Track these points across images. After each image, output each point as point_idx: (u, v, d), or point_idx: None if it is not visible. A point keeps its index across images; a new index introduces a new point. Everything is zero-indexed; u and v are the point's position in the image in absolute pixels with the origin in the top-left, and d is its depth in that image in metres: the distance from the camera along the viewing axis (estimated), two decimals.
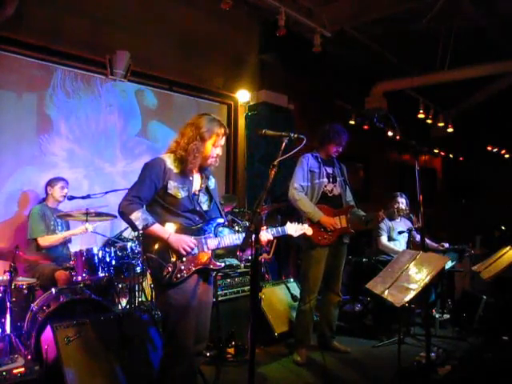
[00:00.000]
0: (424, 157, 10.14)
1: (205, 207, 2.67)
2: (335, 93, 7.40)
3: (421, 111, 7.74)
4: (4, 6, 4.06)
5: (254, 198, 5.88)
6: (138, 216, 2.42)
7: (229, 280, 4.17)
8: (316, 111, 7.04)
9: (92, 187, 4.89)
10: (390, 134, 7.96)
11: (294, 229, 2.86)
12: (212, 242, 2.60)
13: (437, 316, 4.60)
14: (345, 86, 7.33)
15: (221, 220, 2.69)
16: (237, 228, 4.54)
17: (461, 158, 11.00)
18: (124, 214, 2.46)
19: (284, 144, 2.37)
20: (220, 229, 2.69)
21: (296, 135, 2.42)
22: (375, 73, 7.32)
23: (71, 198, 4.17)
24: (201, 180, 2.68)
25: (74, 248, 4.05)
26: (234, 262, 4.39)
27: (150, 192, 2.51)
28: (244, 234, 2.37)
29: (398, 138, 7.91)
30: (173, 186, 2.52)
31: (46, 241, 3.96)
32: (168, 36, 5.43)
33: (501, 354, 3.46)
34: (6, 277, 3.28)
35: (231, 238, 2.64)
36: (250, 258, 3.92)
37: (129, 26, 5.06)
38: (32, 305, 3.44)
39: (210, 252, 2.60)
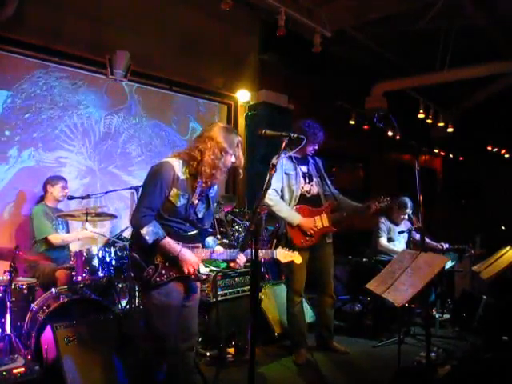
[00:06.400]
0: (424, 157, 10.12)
1: (200, 215, 2.64)
2: (335, 93, 7.40)
3: (421, 111, 7.73)
4: (4, 6, 4.06)
5: (253, 197, 5.87)
6: (149, 230, 2.40)
7: (229, 280, 4.17)
8: (316, 111, 7.01)
9: (91, 187, 4.89)
10: (389, 133, 7.96)
11: (283, 255, 2.81)
12: (199, 253, 2.56)
13: (437, 316, 4.60)
14: (345, 86, 7.33)
15: (211, 231, 2.68)
16: (237, 228, 4.54)
17: (461, 158, 10.99)
18: (136, 228, 2.46)
19: (284, 144, 2.38)
20: (207, 240, 2.65)
21: (296, 135, 2.43)
22: (375, 73, 7.32)
23: (71, 197, 4.16)
24: (202, 188, 2.62)
25: (73, 248, 4.06)
26: None
27: (161, 201, 2.47)
28: (230, 249, 2.49)
29: (397, 137, 7.91)
30: (174, 194, 2.48)
31: (57, 239, 3.93)
32: (168, 36, 5.43)
33: (501, 353, 3.45)
34: (6, 277, 3.28)
35: (218, 252, 2.60)
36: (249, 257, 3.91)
37: (129, 26, 5.06)
38: (32, 305, 3.43)
39: None
